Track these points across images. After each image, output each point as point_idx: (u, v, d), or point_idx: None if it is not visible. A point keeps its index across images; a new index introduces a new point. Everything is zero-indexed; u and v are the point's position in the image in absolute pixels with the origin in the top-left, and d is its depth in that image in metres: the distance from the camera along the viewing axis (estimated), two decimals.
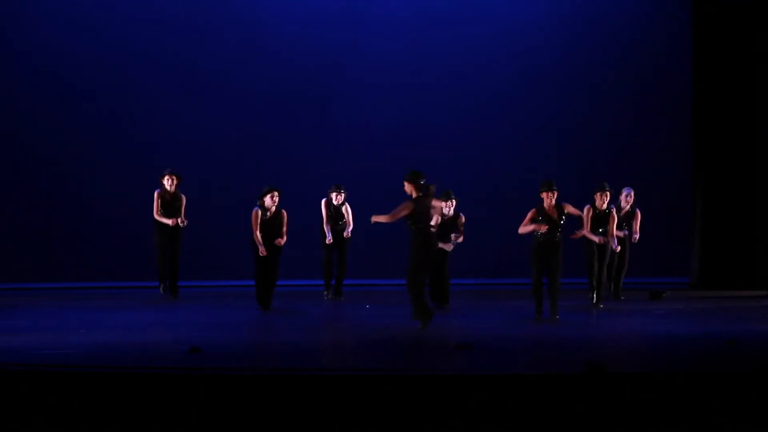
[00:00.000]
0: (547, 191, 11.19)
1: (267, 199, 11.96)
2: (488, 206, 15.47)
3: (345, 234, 13.26)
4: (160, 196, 13.41)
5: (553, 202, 11.18)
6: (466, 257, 14.22)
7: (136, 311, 12.31)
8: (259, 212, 11.91)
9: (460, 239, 12.12)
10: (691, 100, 15.32)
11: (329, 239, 13.19)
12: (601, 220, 12.14)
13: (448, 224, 12.16)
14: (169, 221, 13.30)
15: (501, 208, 15.72)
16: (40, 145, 15.59)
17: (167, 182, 13.45)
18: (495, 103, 16.13)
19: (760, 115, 14.89)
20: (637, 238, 12.89)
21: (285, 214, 12.07)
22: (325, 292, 13.50)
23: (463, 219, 12.29)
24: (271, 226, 11.91)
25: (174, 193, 13.46)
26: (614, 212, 12.32)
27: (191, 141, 15.70)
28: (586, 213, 12.01)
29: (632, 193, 12.97)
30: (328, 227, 13.24)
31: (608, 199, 12.18)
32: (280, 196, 12.04)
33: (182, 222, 13.28)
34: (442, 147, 15.87)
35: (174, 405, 7.21)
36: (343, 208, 13.36)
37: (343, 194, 13.35)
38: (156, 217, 13.37)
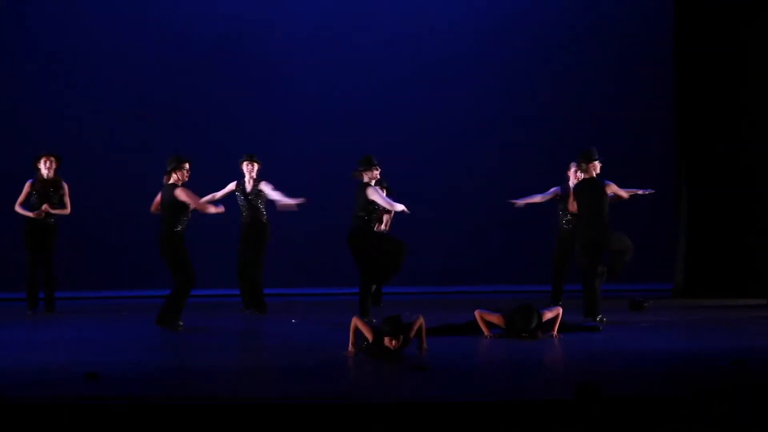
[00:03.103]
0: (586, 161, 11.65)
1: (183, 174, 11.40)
2: (437, 205, 15.61)
3: (285, 203, 12.68)
4: (31, 186, 12.98)
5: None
6: (410, 263, 14.15)
7: (20, 328, 12.21)
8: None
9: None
10: (674, 93, 15.68)
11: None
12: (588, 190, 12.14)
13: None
14: (31, 213, 12.84)
15: (452, 207, 16.17)
16: None
17: (44, 165, 12.99)
18: (457, 94, 16.48)
19: (748, 109, 15.25)
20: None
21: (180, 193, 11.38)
22: (242, 306, 13.21)
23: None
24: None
25: (53, 179, 12.98)
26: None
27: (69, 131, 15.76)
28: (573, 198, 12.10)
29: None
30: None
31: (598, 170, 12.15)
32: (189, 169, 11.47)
33: (42, 211, 12.79)
34: (385, 135, 16.10)
35: None
36: (261, 186, 12.89)
37: (256, 165, 12.91)
38: (17, 209, 12.91)
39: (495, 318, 10.65)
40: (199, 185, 15.37)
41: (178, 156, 11.48)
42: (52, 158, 13.01)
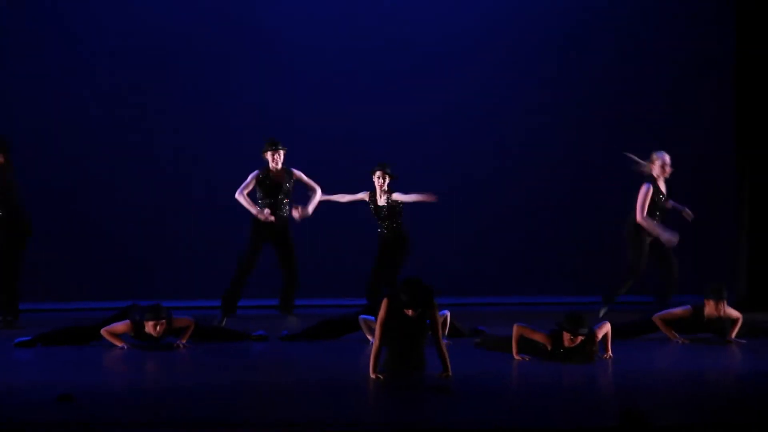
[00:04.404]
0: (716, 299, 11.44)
1: (149, 326, 11.14)
2: (445, 207, 15.14)
3: (299, 211, 12.77)
4: None
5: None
6: (422, 272, 14.07)
7: None
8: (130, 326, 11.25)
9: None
10: (733, 89, 15.59)
11: (266, 215, 12.65)
12: (704, 326, 11.77)
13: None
14: None
15: (468, 208, 15.84)
16: None
17: None
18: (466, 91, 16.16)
19: None
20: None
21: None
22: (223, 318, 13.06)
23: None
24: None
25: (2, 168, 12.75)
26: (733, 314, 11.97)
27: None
28: (685, 314, 11.68)
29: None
30: (258, 210, 12.70)
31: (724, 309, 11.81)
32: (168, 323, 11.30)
33: None
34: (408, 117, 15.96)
35: None
36: (291, 179, 12.93)
37: (282, 152, 12.89)
38: None
39: (539, 336, 10.42)
40: (199, 183, 15.35)
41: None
42: None
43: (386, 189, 13.06)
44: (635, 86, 16.21)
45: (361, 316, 11.42)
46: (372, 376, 9.49)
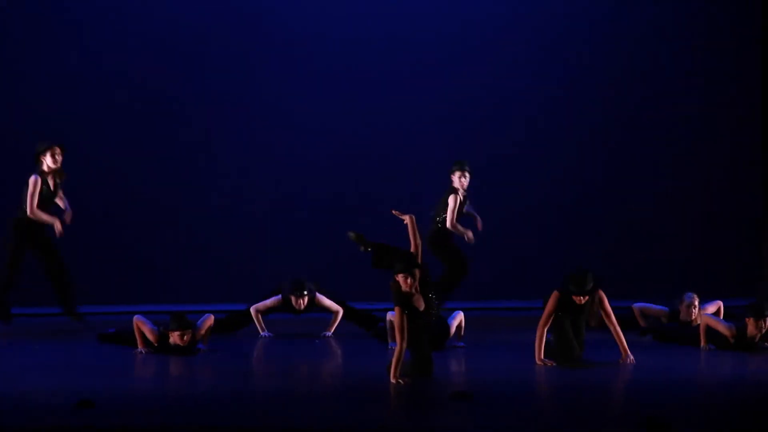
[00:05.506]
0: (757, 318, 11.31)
1: (175, 336, 11.20)
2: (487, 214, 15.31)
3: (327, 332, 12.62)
4: (42, 183, 12.42)
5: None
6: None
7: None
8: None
9: None
10: (761, 85, 15.73)
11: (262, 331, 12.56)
12: (745, 346, 11.67)
13: None
14: (50, 220, 12.36)
15: (502, 217, 15.72)
16: None
17: (54, 159, 12.50)
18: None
19: None
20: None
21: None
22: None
23: None
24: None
25: (59, 173, 12.57)
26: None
27: None
28: (729, 333, 11.57)
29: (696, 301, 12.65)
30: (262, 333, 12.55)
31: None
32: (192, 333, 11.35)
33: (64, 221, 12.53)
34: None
35: None
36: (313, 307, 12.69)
37: (306, 298, 12.57)
38: (35, 213, 12.36)
39: (548, 306, 10.38)
40: (209, 184, 15.41)
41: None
42: (61, 149, 12.57)
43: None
44: (657, 87, 16.13)
45: (389, 313, 11.11)
46: (393, 381, 9.55)
